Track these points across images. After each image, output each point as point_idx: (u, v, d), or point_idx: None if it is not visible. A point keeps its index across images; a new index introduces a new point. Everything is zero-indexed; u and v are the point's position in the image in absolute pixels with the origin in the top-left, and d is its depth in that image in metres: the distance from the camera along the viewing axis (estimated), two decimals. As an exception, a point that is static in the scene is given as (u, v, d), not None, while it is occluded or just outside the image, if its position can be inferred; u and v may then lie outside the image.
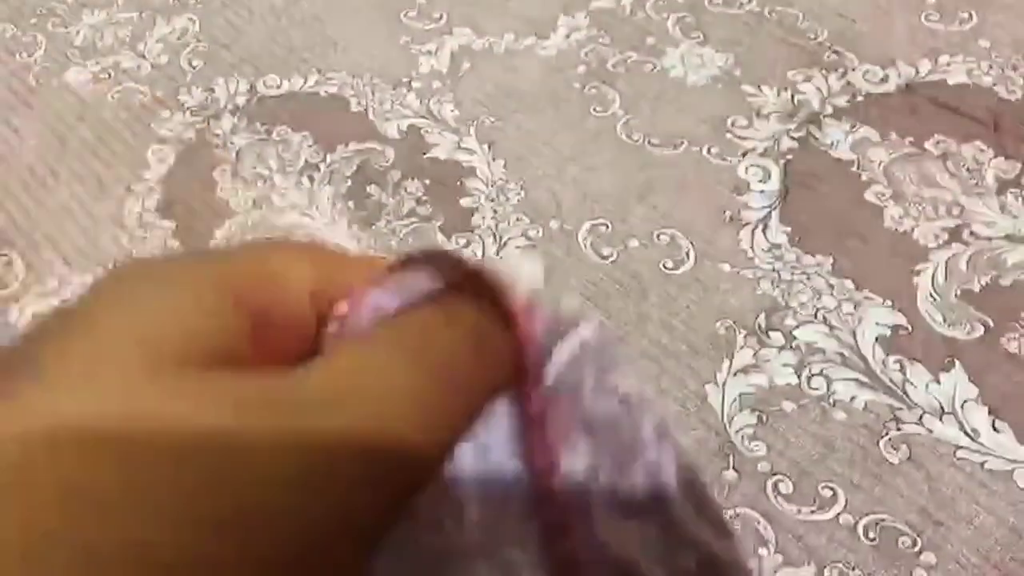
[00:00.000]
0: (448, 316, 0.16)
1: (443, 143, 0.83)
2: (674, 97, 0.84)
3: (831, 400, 0.63)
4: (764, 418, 0.63)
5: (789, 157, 0.78)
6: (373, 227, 0.78)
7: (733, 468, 0.61)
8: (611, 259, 0.73)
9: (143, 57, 0.95)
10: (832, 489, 0.60)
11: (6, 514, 0.11)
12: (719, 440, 0.62)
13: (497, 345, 0.16)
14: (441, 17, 0.95)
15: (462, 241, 0.75)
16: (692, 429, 0.63)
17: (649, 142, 0.81)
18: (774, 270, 0.70)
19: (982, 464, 0.60)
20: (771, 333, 0.67)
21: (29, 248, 0.79)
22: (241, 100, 0.89)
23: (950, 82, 0.81)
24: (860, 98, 0.81)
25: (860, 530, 0.58)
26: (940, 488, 0.59)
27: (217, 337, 0.14)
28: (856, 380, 0.64)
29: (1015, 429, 0.61)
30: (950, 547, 0.57)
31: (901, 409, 0.62)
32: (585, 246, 0.74)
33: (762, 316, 0.68)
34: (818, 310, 0.68)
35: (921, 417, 0.62)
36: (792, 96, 0.82)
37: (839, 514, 0.59)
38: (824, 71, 0.84)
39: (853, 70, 0.83)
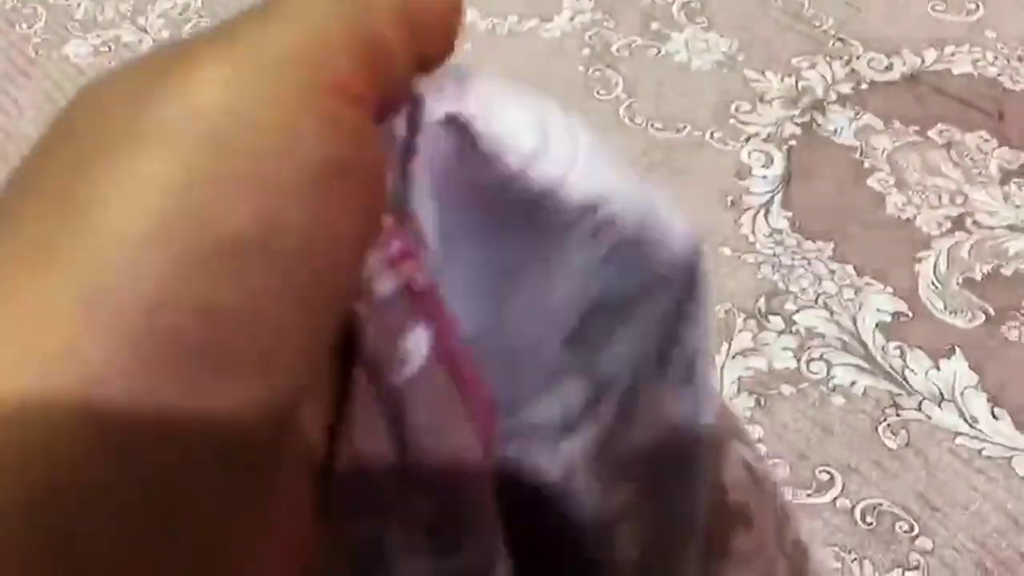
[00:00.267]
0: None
1: (444, 122, 0.82)
2: (678, 81, 0.84)
3: (830, 385, 0.63)
4: (762, 401, 0.63)
5: (792, 143, 0.77)
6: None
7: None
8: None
9: (144, 31, 0.94)
10: (829, 473, 0.60)
11: None
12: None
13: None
14: (445, -3, 0.95)
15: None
16: (690, 411, 0.63)
17: (652, 126, 0.81)
18: (775, 255, 0.70)
19: (980, 451, 0.60)
20: (771, 317, 0.67)
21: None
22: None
23: (955, 72, 0.81)
24: (864, 86, 0.81)
25: (857, 514, 0.58)
26: (938, 474, 0.59)
27: None
28: (856, 365, 0.64)
29: (1014, 417, 0.61)
30: (946, 533, 0.57)
31: (900, 395, 0.62)
32: (585, 228, 0.74)
33: (762, 300, 0.68)
34: (819, 295, 0.67)
35: (920, 403, 0.62)
36: (796, 82, 0.82)
37: (836, 498, 0.59)
38: (829, 58, 0.83)
39: (858, 58, 0.83)
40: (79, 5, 0.98)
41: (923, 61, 0.82)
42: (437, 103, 0.14)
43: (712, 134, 0.79)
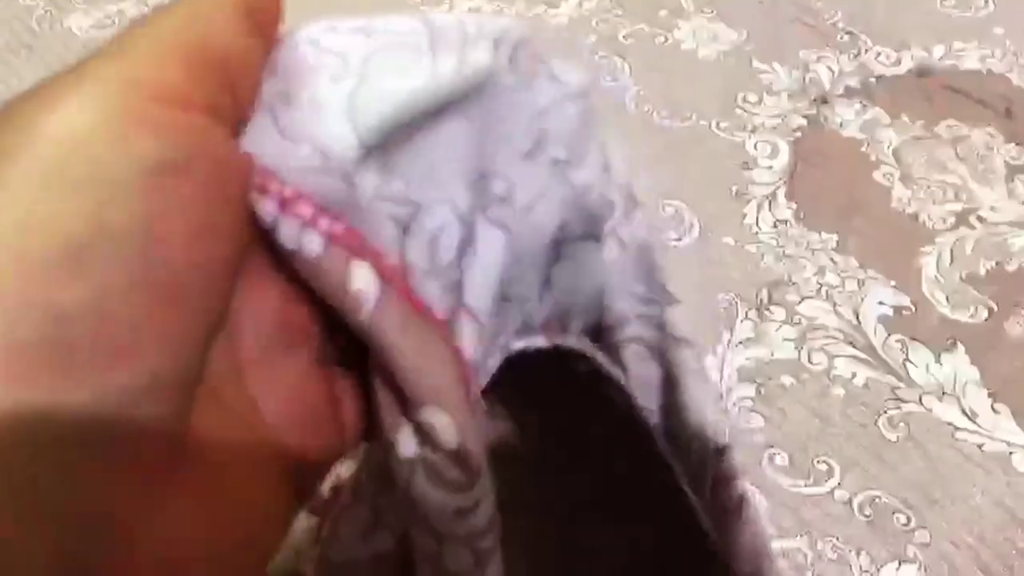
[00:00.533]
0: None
1: (449, 105, 0.82)
2: (684, 71, 0.83)
3: (831, 376, 0.63)
4: (763, 391, 0.62)
5: (798, 135, 0.77)
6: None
7: (729, 439, 0.60)
8: (614, 228, 0.72)
9: (147, 6, 0.93)
10: (828, 464, 0.59)
11: None
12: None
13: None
14: (452, -19, 0.94)
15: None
16: (689, 399, 0.63)
17: (657, 114, 0.80)
18: (779, 245, 0.70)
19: (980, 446, 0.60)
20: (773, 307, 0.66)
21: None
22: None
23: (963, 67, 0.80)
24: (872, 80, 0.81)
25: (855, 506, 0.58)
26: (937, 468, 0.59)
27: None
28: (857, 357, 0.63)
29: (1015, 413, 0.60)
30: (944, 526, 0.57)
31: (901, 388, 0.62)
32: (588, 214, 0.73)
33: (764, 290, 0.67)
34: (821, 286, 0.67)
35: (921, 397, 0.61)
36: (804, 74, 0.81)
37: (834, 489, 0.58)
38: (837, 51, 0.83)
39: (866, 51, 0.83)
40: (82, -22, 0.97)
41: (931, 56, 0.82)
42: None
43: (718, 124, 0.79)
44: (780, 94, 0.80)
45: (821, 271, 0.68)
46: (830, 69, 0.82)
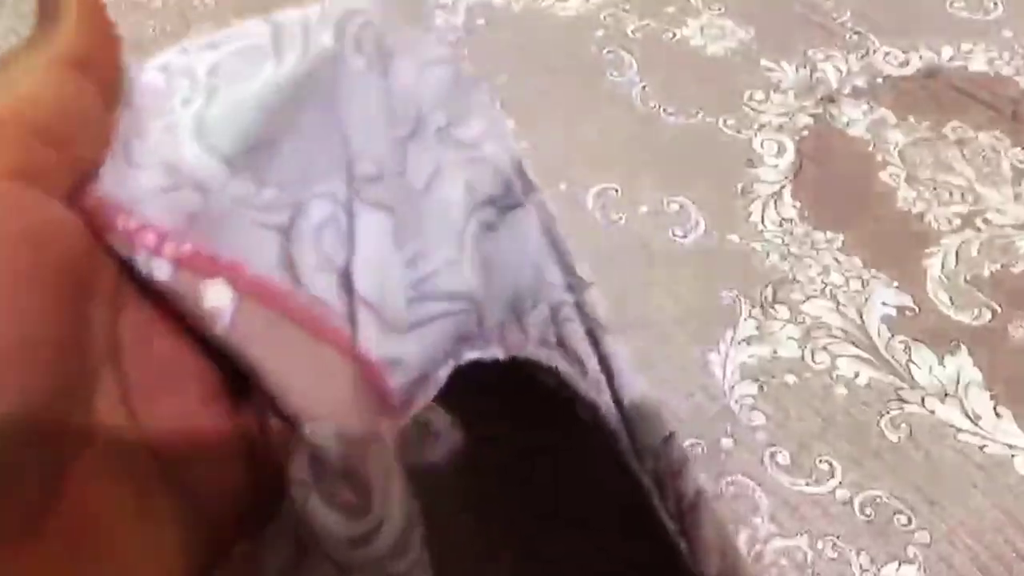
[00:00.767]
0: None
1: (455, 97, 0.82)
2: (691, 67, 0.83)
3: (834, 375, 0.63)
4: (765, 389, 0.62)
5: (804, 133, 0.77)
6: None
7: (731, 436, 0.60)
8: (619, 224, 0.72)
9: (153, -9, 0.93)
10: (829, 463, 0.59)
11: None
12: (718, 408, 0.62)
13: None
14: (460, -28, 0.94)
15: (469, 196, 0.74)
16: (691, 395, 0.62)
17: (664, 110, 0.80)
18: (783, 243, 0.70)
19: (982, 448, 0.60)
20: (777, 306, 0.66)
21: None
22: (251, 41, 0.88)
23: (971, 69, 0.80)
24: (879, 80, 0.80)
25: (855, 505, 0.58)
26: (938, 469, 0.59)
27: None
28: (860, 357, 0.63)
29: (1017, 415, 0.60)
30: (945, 528, 0.57)
31: (903, 389, 0.62)
32: (593, 209, 0.73)
33: (769, 288, 0.67)
34: (826, 286, 0.67)
35: (923, 398, 0.61)
36: (811, 73, 0.81)
37: (835, 488, 0.58)
38: (845, 51, 0.83)
39: (874, 52, 0.82)
40: (88, -38, 0.97)
41: (939, 57, 0.82)
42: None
43: (724, 121, 0.78)
44: (787, 92, 0.80)
45: (825, 270, 0.68)
46: (837, 68, 0.81)
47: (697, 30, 0.86)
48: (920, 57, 0.82)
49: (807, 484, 0.58)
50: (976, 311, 0.65)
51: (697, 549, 0.18)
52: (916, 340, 0.64)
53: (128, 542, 0.14)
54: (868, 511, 0.57)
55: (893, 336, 0.64)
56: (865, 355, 0.63)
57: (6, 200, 0.14)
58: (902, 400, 0.61)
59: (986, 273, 0.67)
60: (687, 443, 0.60)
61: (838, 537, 0.56)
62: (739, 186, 0.74)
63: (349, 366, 0.15)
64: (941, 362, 0.63)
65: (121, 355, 0.15)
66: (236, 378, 0.16)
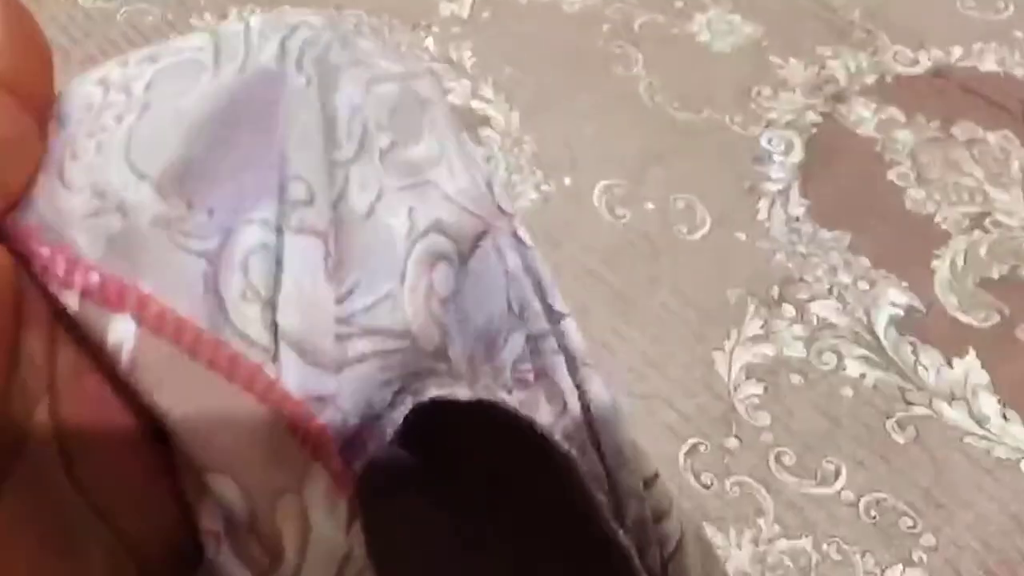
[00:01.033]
0: None
1: (459, 89, 0.81)
2: (699, 63, 0.82)
3: (840, 376, 0.62)
4: (771, 389, 0.62)
5: (813, 131, 0.76)
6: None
7: (736, 436, 0.60)
8: (624, 220, 0.71)
9: (155, -22, 0.92)
10: (835, 465, 0.59)
11: None
12: (723, 407, 0.61)
13: None
14: (466, -36, 0.93)
15: (473, 189, 0.73)
16: (696, 394, 0.62)
17: (671, 106, 0.79)
18: (790, 242, 0.69)
19: (989, 451, 0.59)
20: (783, 305, 0.66)
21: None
22: (254, 30, 0.87)
23: (981, 69, 0.80)
24: (889, 79, 0.80)
25: (861, 507, 0.57)
26: (945, 472, 0.58)
27: None
28: (867, 358, 0.63)
29: (1024, 419, 0.60)
30: (951, 531, 0.56)
31: (911, 391, 0.61)
32: (599, 205, 0.72)
33: (775, 287, 0.67)
34: (833, 285, 0.66)
35: (930, 400, 0.61)
36: (819, 71, 0.80)
37: (840, 490, 0.58)
38: (854, 48, 0.82)
39: (884, 50, 0.82)
40: (90, -52, 0.95)
41: (949, 56, 0.81)
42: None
43: (732, 117, 0.78)
44: (795, 90, 0.79)
45: (833, 270, 0.67)
46: (846, 66, 0.81)
47: (705, 25, 0.85)
48: (930, 56, 0.81)
49: (812, 486, 0.58)
50: (984, 313, 0.65)
51: None
52: (924, 342, 0.63)
53: None
54: (874, 513, 0.57)
55: (901, 337, 0.64)
56: (872, 356, 0.63)
57: None
58: (909, 402, 0.61)
59: (995, 275, 0.66)
60: (691, 442, 0.60)
61: (843, 539, 0.56)
62: (746, 184, 0.73)
63: (264, 409, 0.13)
64: (949, 364, 0.62)
65: (57, 390, 0.14)
66: None
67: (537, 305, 0.17)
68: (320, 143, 0.15)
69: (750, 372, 0.63)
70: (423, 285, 0.15)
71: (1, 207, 0.14)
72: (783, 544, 0.55)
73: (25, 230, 0.14)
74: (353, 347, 0.14)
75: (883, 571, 0.55)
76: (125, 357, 0.13)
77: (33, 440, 0.14)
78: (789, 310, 0.65)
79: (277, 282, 0.14)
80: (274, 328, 0.14)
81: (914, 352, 0.63)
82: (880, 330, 0.64)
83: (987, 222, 0.69)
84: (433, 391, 0.15)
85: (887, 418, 0.60)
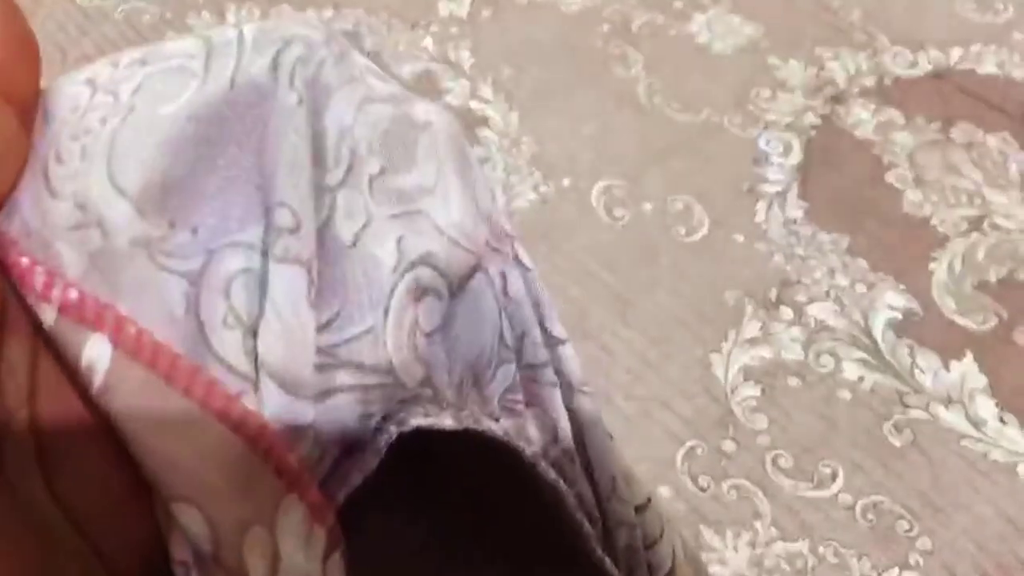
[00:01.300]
0: None
1: (457, 89, 0.80)
2: (698, 64, 0.82)
3: (837, 379, 0.62)
4: (768, 391, 0.62)
5: (812, 133, 0.76)
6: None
7: (733, 439, 0.60)
8: (623, 221, 0.71)
9: (153, -24, 0.92)
10: (832, 468, 0.59)
11: None
12: (720, 410, 0.61)
13: None
14: (465, -37, 0.92)
15: (471, 190, 0.73)
16: (693, 397, 0.62)
17: (669, 107, 0.79)
18: (788, 244, 0.69)
19: (985, 454, 0.59)
20: (781, 307, 0.65)
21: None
22: (252, 29, 0.86)
23: (980, 72, 0.79)
24: (888, 81, 0.80)
25: (858, 511, 0.57)
26: (942, 475, 0.58)
27: None
28: (864, 361, 0.63)
29: (1021, 422, 0.60)
30: (947, 535, 0.56)
31: (908, 394, 0.61)
32: (597, 206, 0.72)
33: (773, 289, 0.66)
34: (830, 288, 0.66)
35: (928, 403, 0.61)
36: (818, 72, 0.80)
37: (838, 493, 0.58)
38: (853, 50, 0.82)
39: (883, 52, 0.82)
40: (87, -55, 0.95)
41: (948, 59, 0.81)
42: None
43: (731, 119, 0.77)
44: (794, 91, 0.79)
45: (831, 272, 0.67)
46: (846, 68, 0.81)
47: (704, 25, 0.85)
48: (929, 58, 0.81)
49: (809, 489, 0.58)
50: (982, 316, 0.65)
51: None
52: (921, 345, 0.63)
53: None
54: (870, 516, 0.57)
55: (898, 340, 0.64)
56: (869, 359, 0.63)
57: None
58: (906, 405, 0.61)
59: (993, 278, 0.66)
60: (688, 444, 0.59)
61: (840, 542, 0.56)
62: (745, 185, 0.73)
63: (237, 439, 0.13)
64: (946, 367, 0.62)
65: (37, 401, 0.14)
66: None
67: (537, 333, 0.17)
68: (308, 167, 0.15)
69: (747, 374, 0.63)
70: (407, 320, 0.15)
71: None
72: (780, 547, 0.55)
73: (7, 237, 0.14)
74: (333, 378, 0.14)
75: (880, 574, 0.55)
76: (98, 379, 0.13)
77: (11, 449, 0.14)
78: (787, 312, 0.65)
79: (260, 309, 0.14)
80: (254, 356, 0.13)
81: (911, 355, 0.63)
82: (878, 333, 0.64)
83: (985, 225, 0.69)
84: (417, 420, 0.15)
85: (884, 421, 0.60)
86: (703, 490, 0.58)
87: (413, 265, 0.15)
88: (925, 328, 0.64)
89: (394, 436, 0.14)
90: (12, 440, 0.14)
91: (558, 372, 0.17)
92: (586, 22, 0.86)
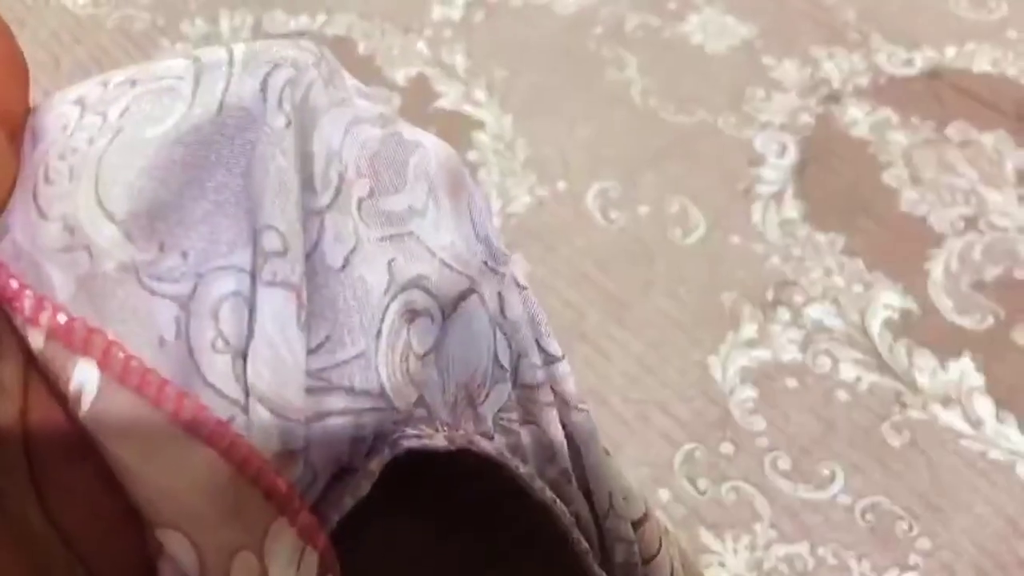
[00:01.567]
0: None
1: (451, 93, 0.80)
2: (692, 65, 0.82)
3: (835, 380, 0.62)
4: (766, 393, 0.62)
5: (807, 133, 0.76)
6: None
7: (731, 441, 0.60)
8: (618, 224, 0.71)
9: (145, -17, 0.91)
10: (831, 469, 0.58)
11: None
12: (719, 412, 0.61)
13: None
14: (458, -34, 0.92)
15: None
16: (691, 399, 0.62)
17: (664, 108, 0.79)
18: (785, 245, 0.69)
19: (984, 454, 0.59)
20: (778, 308, 0.65)
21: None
22: (245, 35, 0.86)
23: (975, 70, 0.79)
24: (883, 80, 0.79)
25: (857, 512, 0.57)
26: (940, 475, 0.58)
27: None
28: (862, 361, 0.63)
29: (1019, 421, 0.60)
30: (947, 535, 0.56)
31: (905, 394, 0.61)
32: (592, 209, 0.72)
33: (770, 290, 0.66)
34: (827, 288, 0.66)
35: (925, 403, 0.61)
36: (813, 72, 0.80)
37: (836, 494, 0.58)
38: (848, 49, 0.82)
39: (877, 51, 0.82)
40: (79, -48, 0.95)
41: (943, 57, 0.81)
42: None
43: (726, 120, 0.77)
44: (789, 91, 0.79)
45: (827, 272, 0.67)
46: (840, 67, 0.80)
47: (698, 26, 0.85)
48: (923, 57, 0.81)
49: (808, 490, 0.58)
50: (979, 315, 0.64)
51: None
52: (919, 344, 0.63)
53: None
54: (869, 517, 0.57)
55: (895, 340, 0.63)
56: (867, 359, 0.63)
57: None
58: (904, 405, 0.61)
59: (989, 277, 0.66)
60: (687, 447, 0.59)
61: (839, 544, 0.56)
62: (740, 186, 0.73)
63: (225, 464, 0.13)
64: (943, 367, 0.62)
65: (29, 421, 0.14)
66: None
67: (535, 354, 0.17)
68: (296, 190, 0.14)
69: (745, 376, 0.62)
70: (400, 343, 0.15)
71: None
72: (779, 549, 0.55)
73: None
74: (324, 402, 0.14)
75: (879, 575, 0.55)
76: (86, 404, 0.13)
77: (5, 466, 0.14)
78: (784, 313, 0.65)
79: (249, 333, 0.14)
80: (244, 380, 0.13)
81: (909, 355, 0.63)
82: (875, 333, 0.64)
83: (981, 223, 0.69)
84: (410, 443, 0.15)
85: (882, 421, 0.60)
86: (702, 493, 0.58)
87: (404, 288, 0.15)
88: (922, 328, 0.64)
89: (388, 459, 0.14)
90: (6, 457, 0.14)
91: (554, 390, 0.17)
92: (579, 24, 0.86)
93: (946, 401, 0.61)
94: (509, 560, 0.17)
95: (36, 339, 0.13)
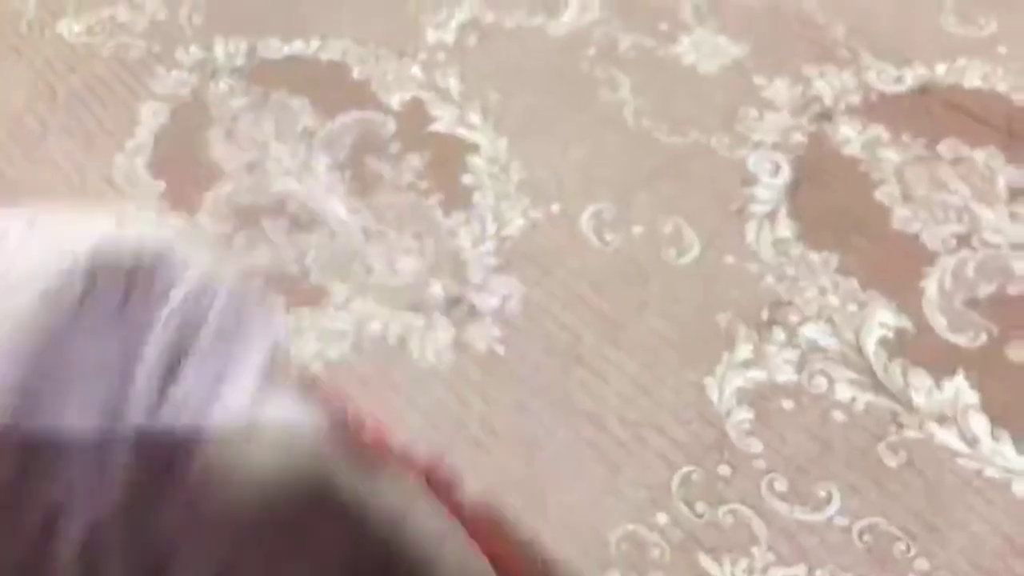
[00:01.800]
0: None
1: (446, 116, 0.81)
2: (684, 85, 0.83)
3: (831, 400, 0.62)
4: (762, 414, 0.62)
5: (800, 152, 0.76)
6: (369, 199, 0.75)
7: (728, 463, 0.60)
8: (613, 245, 0.72)
9: (140, 10, 0.92)
10: (827, 490, 0.59)
11: None
12: (715, 433, 0.61)
13: None
14: (450, -11, 0.93)
15: (461, 218, 0.73)
16: (688, 421, 0.62)
17: (657, 129, 0.79)
18: (779, 264, 0.69)
19: (980, 472, 0.59)
20: (773, 328, 0.66)
21: (13, 203, 0.77)
22: (240, 61, 0.87)
23: (966, 86, 0.80)
24: (874, 97, 0.80)
25: (854, 533, 0.57)
26: (937, 495, 0.58)
27: None
28: (857, 381, 0.63)
29: (1015, 439, 0.60)
30: (944, 554, 0.56)
31: (901, 413, 0.61)
32: (587, 230, 0.73)
33: (765, 310, 0.67)
34: (822, 308, 0.66)
35: (921, 422, 0.61)
36: (804, 90, 0.81)
37: (833, 516, 0.58)
38: (839, 67, 0.82)
39: (868, 68, 0.82)
40: (75, -19, 0.96)
41: (933, 73, 0.81)
42: None
43: (718, 139, 0.78)
44: (781, 110, 0.79)
45: (822, 292, 0.67)
46: (832, 85, 0.81)
47: (690, 47, 0.85)
48: (914, 74, 0.81)
49: (805, 512, 0.58)
50: (973, 333, 0.65)
51: None
52: (914, 363, 0.63)
53: None
54: (867, 538, 0.57)
55: (890, 359, 0.64)
56: (863, 379, 0.63)
57: None
58: (900, 425, 0.61)
59: (982, 295, 0.67)
60: (684, 470, 0.59)
61: (837, 565, 0.56)
62: (734, 206, 0.73)
63: None
64: (938, 385, 0.62)
65: None
66: None
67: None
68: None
69: (741, 397, 0.63)
70: None
71: None
72: (777, 573, 0.55)
73: None
74: None
75: (878, 596, 0.55)
76: None
77: None
78: (779, 333, 0.65)
79: None
80: None
81: (904, 374, 0.63)
82: (870, 352, 0.64)
83: (974, 241, 0.70)
84: None
85: (879, 441, 0.60)
86: (699, 516, 0.58)
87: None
88: (917, 346, 0.64)
89: None
90: None
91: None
92: (573, 46, 0.87)
93: (942, 419, 0.61)
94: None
95: None
